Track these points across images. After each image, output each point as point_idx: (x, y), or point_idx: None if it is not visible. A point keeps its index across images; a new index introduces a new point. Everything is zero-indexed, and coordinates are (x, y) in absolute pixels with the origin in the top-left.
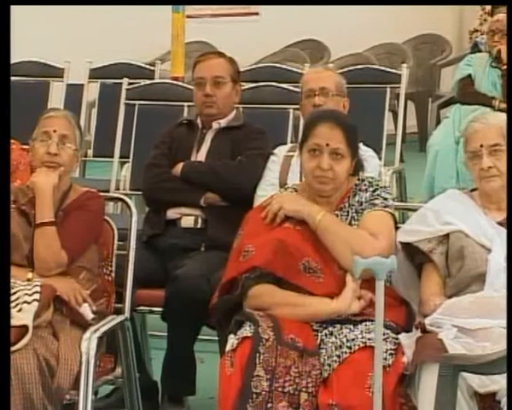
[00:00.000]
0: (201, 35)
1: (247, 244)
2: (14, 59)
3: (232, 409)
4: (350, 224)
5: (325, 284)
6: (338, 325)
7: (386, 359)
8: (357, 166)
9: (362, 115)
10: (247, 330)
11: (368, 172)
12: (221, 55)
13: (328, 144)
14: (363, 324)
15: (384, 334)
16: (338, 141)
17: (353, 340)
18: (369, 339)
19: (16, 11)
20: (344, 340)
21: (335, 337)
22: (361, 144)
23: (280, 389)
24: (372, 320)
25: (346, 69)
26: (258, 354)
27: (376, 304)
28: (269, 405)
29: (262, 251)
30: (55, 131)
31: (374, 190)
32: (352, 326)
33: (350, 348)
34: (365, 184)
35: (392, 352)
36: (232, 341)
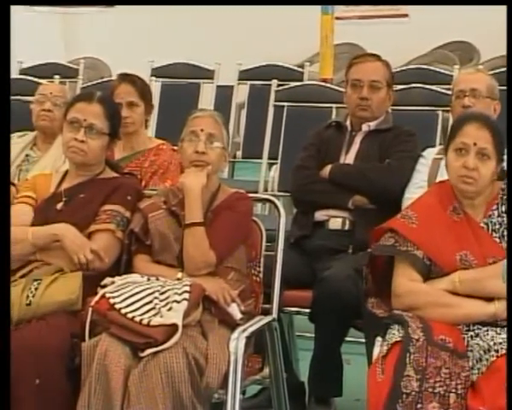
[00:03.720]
0: (350, 37)
1: (411, 210)
2: (165, 61)
3: (382, 409)
4: (502, 235)
5: None
6: (483, 328)
7: None
8: (502, 172)
9: None
10: (396, 335)
11: None
12: (378, 58)
13: (475, 144)
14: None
15: None
16: (485, 141)
17: (500, 344)
18: None
19: (171, 13)
20: (491, 343)
21: (482, 340)
22: None
23: (430, 390)
24: None
25: (495, 71)
26: (408, 354)
27: None
28: (418, 405)
29: (422, 229)
30: (202, 130)
31: None
32: (498, 329)
33: (497, 351)
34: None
35: None
36: (382, 346)
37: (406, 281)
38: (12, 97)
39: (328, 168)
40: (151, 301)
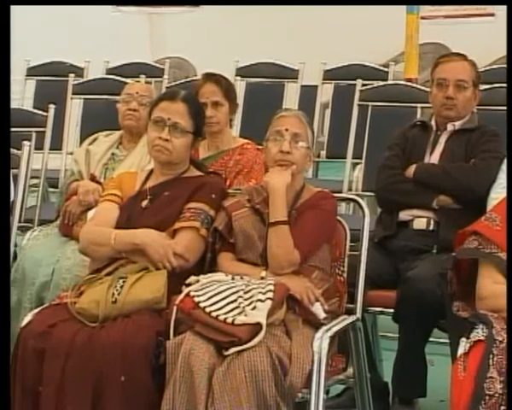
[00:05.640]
0: (435, 36)
1: (494, 212)
2: (250, 61)
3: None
4: None
5: None
6: None
7: None
8: None
9: None
10: (479, 334)
11: None
12: (464, 57)
13: None
14: None
15: None
16: None
17: None
18: None
19: (255, 13)
20: None
21: None
22: None
23: None
24: None
25: None
26: (491, 356)
27: None
28: (502, 407)
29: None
30: (286, 129)
31: None
32: None
33: None
34: None
35: None
36: (464, 344)
37: (490, 283)
38: (99, 97)
39: (412, 168)
40: (235, 300)
